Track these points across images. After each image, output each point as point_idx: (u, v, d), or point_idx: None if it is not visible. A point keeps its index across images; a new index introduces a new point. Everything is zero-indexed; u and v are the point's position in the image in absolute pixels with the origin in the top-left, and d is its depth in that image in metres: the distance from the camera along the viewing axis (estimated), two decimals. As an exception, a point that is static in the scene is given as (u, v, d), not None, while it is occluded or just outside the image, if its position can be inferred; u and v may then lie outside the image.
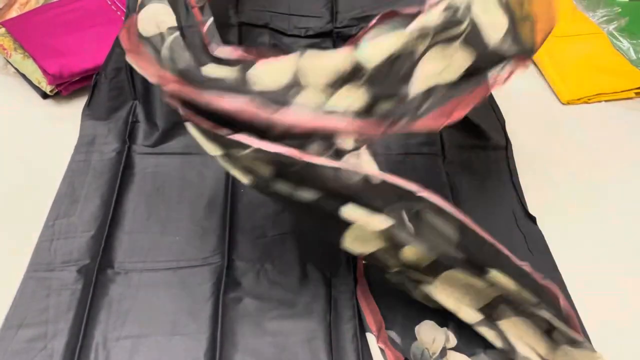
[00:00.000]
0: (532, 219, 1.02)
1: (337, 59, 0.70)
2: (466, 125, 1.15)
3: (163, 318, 0.85)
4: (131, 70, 1.12)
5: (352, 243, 0.75)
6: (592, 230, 1.03)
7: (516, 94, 1.34)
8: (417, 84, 0.73)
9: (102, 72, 1.13)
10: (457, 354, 0.80)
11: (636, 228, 1.04)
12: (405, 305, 0.85)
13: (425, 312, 0.84)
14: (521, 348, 0.80)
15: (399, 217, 0.73)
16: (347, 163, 0.72)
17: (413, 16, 0.72)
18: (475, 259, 0.77)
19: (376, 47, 0.71)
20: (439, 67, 0.74)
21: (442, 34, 0.72)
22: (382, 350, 0.80)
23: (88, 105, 1.15)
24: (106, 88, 1.13)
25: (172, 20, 0.77)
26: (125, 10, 1.15)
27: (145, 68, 0.74)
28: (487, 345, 0.82)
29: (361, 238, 0.74)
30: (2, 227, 0.95)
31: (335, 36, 1.20)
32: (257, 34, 1.16)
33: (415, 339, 0.82)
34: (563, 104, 1.34)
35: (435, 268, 0.77)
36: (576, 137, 1.23)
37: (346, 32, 1.19)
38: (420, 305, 0.84)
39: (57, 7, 1.34)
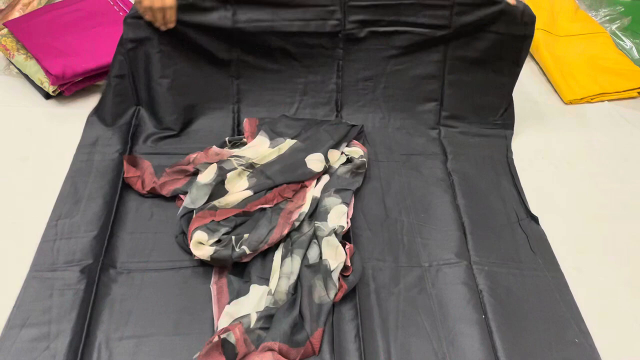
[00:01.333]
0: (535, 219, 1.02)
1: None
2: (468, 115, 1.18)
3: (165, 318, 0.85)
4: (134, 76, 1.13)
5: None
6: (595, 229, 1.03)
7: (519, 93, 1.34)
8: None
9: (107, 80, 1.14)
10: None
11: (639, 226, 1.04)
12: None
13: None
14: None
15: None
16: None
17: None
18: None
19: None
20: None
21: None
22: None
23: (95, 112, 1.15)
24: (110, 95, 1.14)
25: None
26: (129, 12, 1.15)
27: None
28: None
29: None
30: (5, 226, 0.96)
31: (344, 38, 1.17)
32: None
33: None
34: (565, 103, 1.33)
35: None
36: (579, 137, 1.23)
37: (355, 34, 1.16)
38: None
39: (60, 7, 1.34)
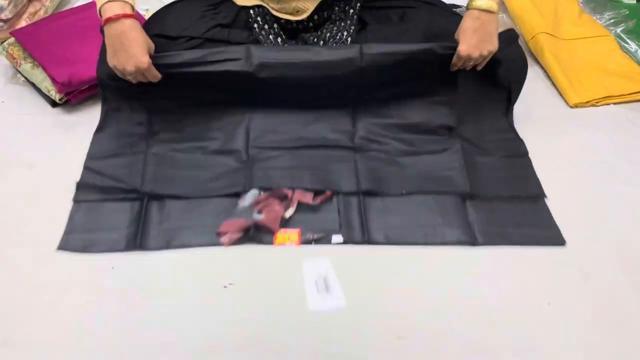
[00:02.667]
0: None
1: None
2: None
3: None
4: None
5: None
6: (603, 233, 1.02)
7: (524, 97, 1.34)
8: None
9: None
10: None
11: (646, 231, 1.04)
12: None
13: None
14: None
15: None
16: None
17: None
18: None
19: None
20: None
21: None
22: None
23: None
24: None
25: None
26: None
27: None
28: None
29: None
30: (11, 234, 0.96)
31: None
32: None
33: None
34: (571, 107, 1.33)
35: None
36: (585, 140, 1.23)
37: None
38: None
39: (66, 16, 1.35)
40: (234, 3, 1.18)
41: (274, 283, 0.90)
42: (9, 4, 1.35)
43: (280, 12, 1.18)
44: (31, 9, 1.45)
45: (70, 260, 0.91)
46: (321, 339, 0.82)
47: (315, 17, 1.22)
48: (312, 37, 1.24)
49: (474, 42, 1.04)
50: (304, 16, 1.18)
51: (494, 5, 1.03)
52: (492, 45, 1.05)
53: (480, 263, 0.95)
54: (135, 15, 0.98)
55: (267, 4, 1.17)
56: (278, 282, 0.90)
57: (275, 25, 1.21)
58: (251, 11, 1.19)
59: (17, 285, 0.87)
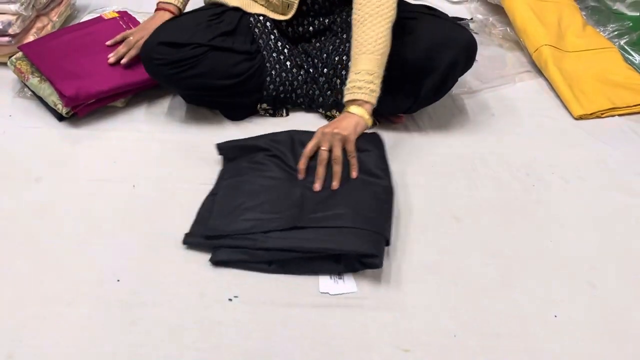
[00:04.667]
0: None
1: None
2: None
3: None
4: None
5: None
6: (609, 244, 1.02)
7: (528, 109, 1.35)
8: None
9: None
10: None
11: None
12: None
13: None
14: None
15: None
16: None
17: None
18: None
19: None
20: None
21: None
22: None
23: None
24: None
25: None
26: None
27: None
28: None
29: None
30: (18, 247, 0.96)
31: None
32: None
33: None
34: (575, 119, 1.33)
35: None
36: (590, 152, 1.23)
37: None
38: None
39: (73, 31, 1.36)
40: (236, 11, 1.21)
41: (279, 297, 0.90)
42: (17, 19, 1.37)
43: (268, 8, 1.22)
44: (39, 24, 1.47)
45: (75, 273, 0.91)
46: (327, 353, 0.82)
47: (316, 22, 1.23)
48: (314, 50, 1.25)
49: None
50: (292, 12, 1.21)
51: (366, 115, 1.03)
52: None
53: (485, 275, 0.94)
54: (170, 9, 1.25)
55: (262, 6, 1.20)
56: (283, 296, 0.90)
57: (276, 31, 1.23)
58: (251, 18, 1.22)
59: (22, 299, 0.87)
